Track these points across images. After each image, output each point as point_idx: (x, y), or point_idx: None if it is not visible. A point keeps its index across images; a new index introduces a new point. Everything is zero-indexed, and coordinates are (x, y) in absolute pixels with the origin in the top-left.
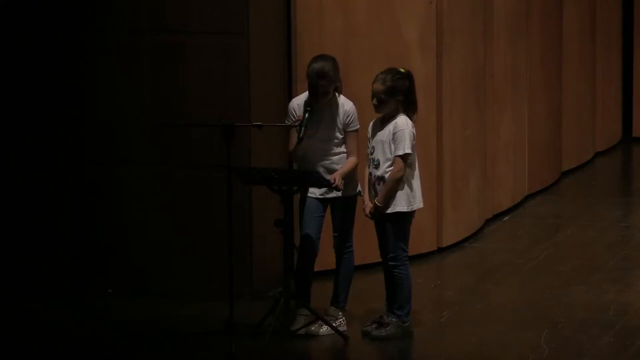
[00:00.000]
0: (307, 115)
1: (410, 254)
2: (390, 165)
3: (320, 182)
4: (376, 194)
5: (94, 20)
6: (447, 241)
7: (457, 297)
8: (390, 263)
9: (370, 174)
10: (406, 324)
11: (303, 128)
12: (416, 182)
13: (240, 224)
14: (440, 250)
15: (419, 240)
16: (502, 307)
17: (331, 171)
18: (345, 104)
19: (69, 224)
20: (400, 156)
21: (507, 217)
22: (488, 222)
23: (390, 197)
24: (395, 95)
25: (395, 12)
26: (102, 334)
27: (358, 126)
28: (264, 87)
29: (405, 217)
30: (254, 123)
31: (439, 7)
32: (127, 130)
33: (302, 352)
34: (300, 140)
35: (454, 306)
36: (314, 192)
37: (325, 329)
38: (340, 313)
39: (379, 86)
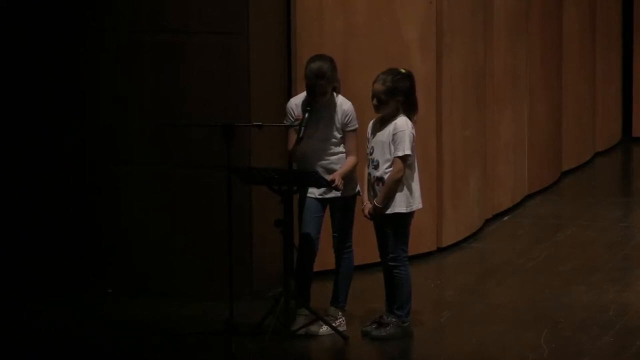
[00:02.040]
0: (307, 115)
1: (410, 254)
2: (390, 166)
3: (320, 182)
4: (375, 195)
5: (94, 20)
6: (447, 241)
7: (457, 297)
8: (390, 263)
9: (369, 174)
10: (406, 324)
11: (303, 128)
12: (415, 184)
13: (240, 224)
14: (440, 250)
15: (419, 240)
16: (502, 307)
17: (329, 171)
18: (343, 103)
19: (69, 224)
20: (399, 157)
21: (507, 217)
22: (488, 222)
23: (389, 198)
24: (396, 95)
25: (395, 12)
26: (102, 334)
27: (357, 126)
28: (264, 87)
29: (405, 218)
30: (254, 123)
31: (439, 7)
32: (127, 130)
33: (302, 352)
34: (299, 140)
35: (454, 306)
36: (313, 192)
37: (325, 329)
38: (340, 313)
39: (379, 86)
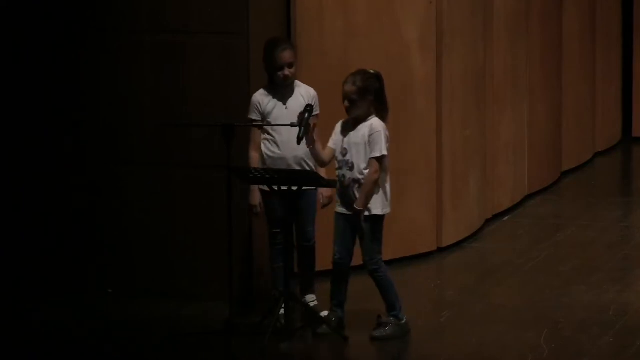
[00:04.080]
0: (307, 115)
1: (410, 254)
2: (367, 168)
3: (320, 182)
4: (350, 197)
5: (94, 20)
6: (447, 241)
7: (457, 297)
8: (373, 267)
9: (343, 175)
10: (403, 321)
11: (303, 128)
12: (389, 186)
13: (240, 224)
14: (440, 250)
15: (419, 240)
16: (502, 307)
17: (301, 165)
18: (309, 88)
19: (69, 224)
20: (376, 158)
21: (507, 217)
22: (488, 222)
23: (369, 199)
24: (367, 95)
25: (395, 12)
26: (102, 334)
27: (319, 111)
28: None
29: (381, 220)
30: (254, 123)
31: (439, 7)
32: (127, 130)
33: (302, 352)
34: (299, 140)
35: (454, 306)
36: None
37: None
38: (314, 297)
39: (350, 87)
